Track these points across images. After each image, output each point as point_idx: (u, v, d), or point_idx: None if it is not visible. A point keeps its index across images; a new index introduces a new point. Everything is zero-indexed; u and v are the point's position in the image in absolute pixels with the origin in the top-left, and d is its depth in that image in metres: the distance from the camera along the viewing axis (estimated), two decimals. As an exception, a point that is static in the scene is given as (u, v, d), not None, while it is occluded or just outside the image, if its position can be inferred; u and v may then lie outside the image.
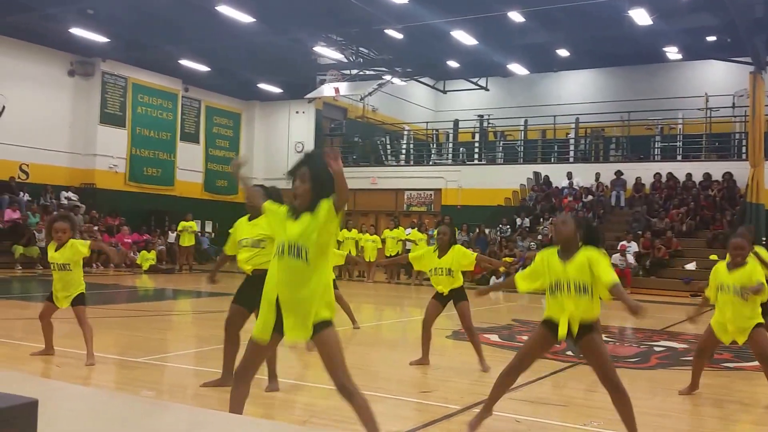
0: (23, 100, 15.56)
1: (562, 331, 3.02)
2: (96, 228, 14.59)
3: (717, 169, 15.69)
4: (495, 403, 3.21)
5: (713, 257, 13.44)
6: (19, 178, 15.43)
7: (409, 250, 14.99)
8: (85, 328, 4.71)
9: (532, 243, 14.60)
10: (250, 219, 4.07)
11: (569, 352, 5.54)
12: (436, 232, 15.29)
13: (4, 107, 15.22)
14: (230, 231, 4.27)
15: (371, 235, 15.12)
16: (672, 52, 17.59)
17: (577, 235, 3.10)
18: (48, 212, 15.25)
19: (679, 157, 17.30)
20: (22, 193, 15.04)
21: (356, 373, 4.86)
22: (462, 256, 4.87)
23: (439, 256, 4.86)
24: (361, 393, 2.49)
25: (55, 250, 4.71)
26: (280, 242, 2.55)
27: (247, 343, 2.67)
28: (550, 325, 3.10)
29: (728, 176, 15.32)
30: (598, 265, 2.97)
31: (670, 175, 16.11)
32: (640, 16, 13.28)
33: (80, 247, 4.68)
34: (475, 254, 5.07)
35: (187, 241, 15.51)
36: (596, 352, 3.03)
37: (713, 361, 5.37)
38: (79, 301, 4.72)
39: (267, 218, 2.76)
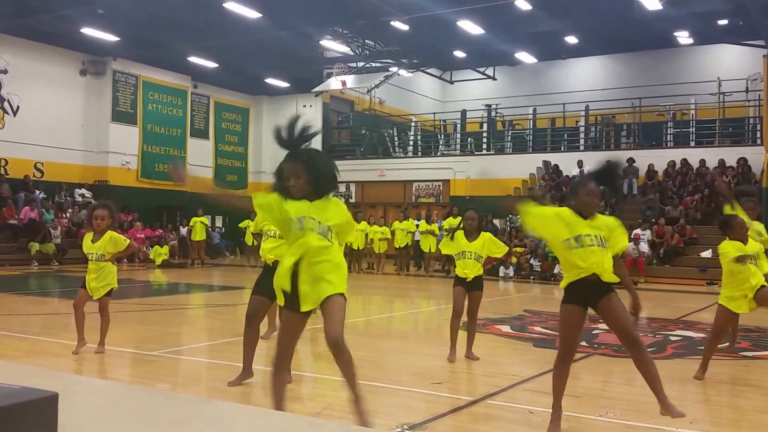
0: (37, 99, 15.76)
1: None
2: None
3: (731, 154, 15.44)
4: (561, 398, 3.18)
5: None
6: (34, 176, 15.65)
7: (418, 241, 15.01)
8: (104, 318, 4.81)
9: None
10: None
11: (584, 342, 5.51)
12: (445, 222, 15.09)
13: (18, 107, 15.42)
14: (250, 222, 4.28)
15: (380, 227, 15.14)
16: (683, 37, 17.29)
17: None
18: (63, 209, 15.49)
19: (692, 143, 17.04)
20: (37, 191, 15.26)
21: (367, 365, 4.88)
22: (492, 243, 4.85)
23: (469, 241, 4.81)
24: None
25: (92, 241, 4.74)
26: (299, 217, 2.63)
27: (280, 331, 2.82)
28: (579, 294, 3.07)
29: (743, 162, 15.08)
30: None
31: (683, 161, 15.89)
32: (650, 1, 13.06)
33: (120, 241, 4.74)
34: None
35: (199, 235, 15.66)
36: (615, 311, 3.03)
37: (732, 350, 5.33)
38: (107, 294, 4.81)
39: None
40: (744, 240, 4.31)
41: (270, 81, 19.95)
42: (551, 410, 3.17)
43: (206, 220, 16.15)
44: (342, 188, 20.31)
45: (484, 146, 19.74)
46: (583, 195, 3.13)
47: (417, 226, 15.07)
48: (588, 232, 3.05)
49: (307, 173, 2.61)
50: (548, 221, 3.13)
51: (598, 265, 3.01)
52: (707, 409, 3.86)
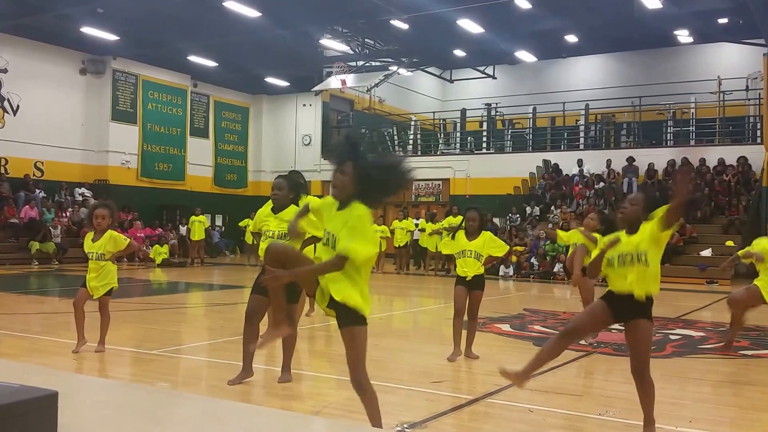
0: (37, 99, 15.76)
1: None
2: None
3: (731, 153, 15.45)
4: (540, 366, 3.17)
5: (729, 243, 13.28)
6: (34, 175, 15.65)
7: (417, 240, 15.01)
8: (104, 317, 4.83)
9: (541, 232, 14.54)
10: (274, 211, 4.06)
11: (583, 341, 5.52)
12: (445, 221, 15.00)
13: (18, 106, 15.43)
14: (250, 221, 4.28)
15: (379, 225, 15.15)
16: (683, 35, 17.29)
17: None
18: (63, 209, 15.49)
19: (692, 142, 17.04)
20: (37, 190, 15.26)
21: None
22: (492, 242, 4.87)
23: (470, 240, 4.84)
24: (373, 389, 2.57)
25: (93, 240, 4.76)
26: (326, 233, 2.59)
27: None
28: (611, 298, 3.09)
29: (743, 160, 15.08)
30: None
31: (684, 160, 15.89)
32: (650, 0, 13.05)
33: (120, 240, 4.76)
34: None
35: (198, 235, 15.66)
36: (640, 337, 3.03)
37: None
38: (107, 293, 4.83)
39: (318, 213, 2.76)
40: None
41: (270, 80, 19.94)
42: (527, 365, 3.12)
43: (204, 219, 16.14)
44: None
45: (484, 145, 19.74)
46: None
47: (416, 225, 15.07)
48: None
49: (354, 170, 2.48)
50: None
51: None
52: (707, 408, 3.86)
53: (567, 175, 17.00)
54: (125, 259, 14.07)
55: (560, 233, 6.53)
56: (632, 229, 3.15)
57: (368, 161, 2.50)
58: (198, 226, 15.61)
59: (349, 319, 2.51)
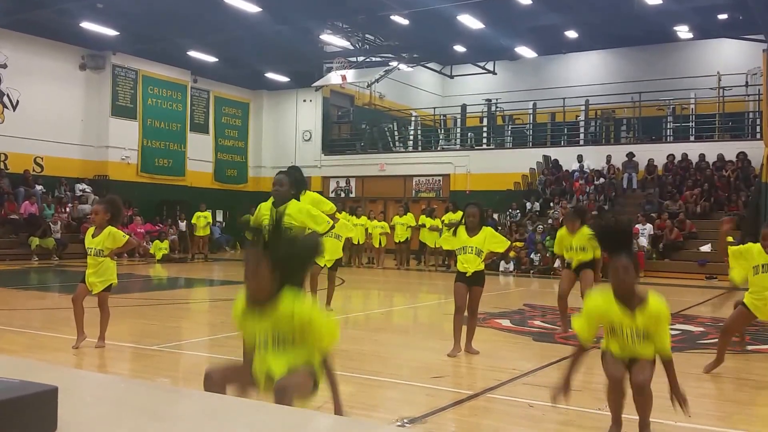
0: (36, 94, 15.72)
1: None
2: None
3: (731, 149, 15.44)
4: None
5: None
6: (33, 170, 15.64)
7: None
8: (103, 312, 4.84)
9: (539, 226, 14.54)
10: (275, 206, 4.07)
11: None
12: (445, 216, 15.00)
13: (18, 101, 15.40)
14: (251, 216, 4.28)
15: (380, 221, 15.16)
16: (683, 31, 17.26)
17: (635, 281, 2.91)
18: (62, 204, 15.48)
19: (692, 138, 17.03)
20: (37, 186, 15.25)
21: (367, 359, 4.89)
22: (493, 237, 4.86)
23: (470, 236, 4.84)
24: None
25: (93, 236, 4.78)
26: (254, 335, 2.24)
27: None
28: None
29: (742, 156, 15.08)
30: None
31: (683, 156, 15.89)
32: (652, -5, 13.00)
33: (118, 237, 4.76)
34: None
35: (202, 231, 15.68)
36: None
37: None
38: (105, 289, 4.83)
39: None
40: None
41: (270, 75, 19.90)
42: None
43: (209, 215, 16.15)
44: (342, 183, 20.32)
45: (484, 141, 19.72)
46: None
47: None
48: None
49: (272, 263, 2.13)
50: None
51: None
52: (706, 403, 3.87)
53: (567, 170, 16.99)
54: (125, 255, 14.08)
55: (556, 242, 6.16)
56: (629, 302, 2.93)
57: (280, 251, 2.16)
58: (203, 222, 15.65)
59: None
